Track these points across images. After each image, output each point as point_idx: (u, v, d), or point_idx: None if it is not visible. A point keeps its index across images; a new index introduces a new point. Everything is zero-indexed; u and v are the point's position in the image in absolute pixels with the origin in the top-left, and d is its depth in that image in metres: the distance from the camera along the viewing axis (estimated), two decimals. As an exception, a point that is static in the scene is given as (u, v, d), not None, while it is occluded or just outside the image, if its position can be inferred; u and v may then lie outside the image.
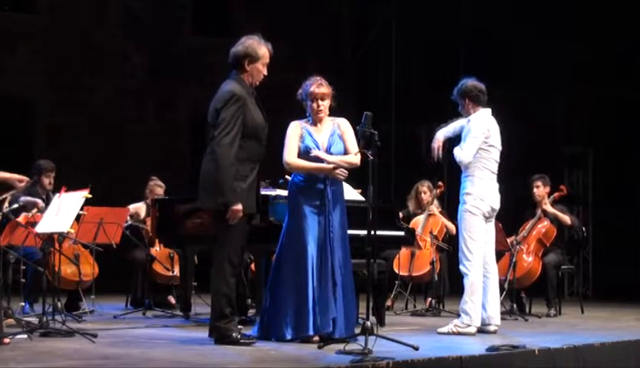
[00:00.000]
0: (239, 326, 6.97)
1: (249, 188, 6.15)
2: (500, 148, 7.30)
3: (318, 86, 6.52)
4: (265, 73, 6.32)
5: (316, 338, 6.23)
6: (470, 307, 7.08)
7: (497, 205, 7.27)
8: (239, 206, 6.02)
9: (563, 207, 9.71)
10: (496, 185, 7.28)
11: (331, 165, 6.43)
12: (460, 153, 7.17)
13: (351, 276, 6.49)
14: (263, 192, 7.41)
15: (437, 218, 9.71)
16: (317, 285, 6.32)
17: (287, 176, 7.13)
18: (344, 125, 6.60)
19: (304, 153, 6.50)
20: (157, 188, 9.76)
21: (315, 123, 6.58)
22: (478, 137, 7.16)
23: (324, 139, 6.54)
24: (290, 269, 6.39)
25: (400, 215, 9.30)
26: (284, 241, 6.51)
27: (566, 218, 9.56)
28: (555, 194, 9.63)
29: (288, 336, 6.29)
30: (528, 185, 9.65)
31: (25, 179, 6.18)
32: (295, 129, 6.55)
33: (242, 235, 6.21)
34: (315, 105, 6.52)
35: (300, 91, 6.60)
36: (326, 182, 6.48)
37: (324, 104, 6.53)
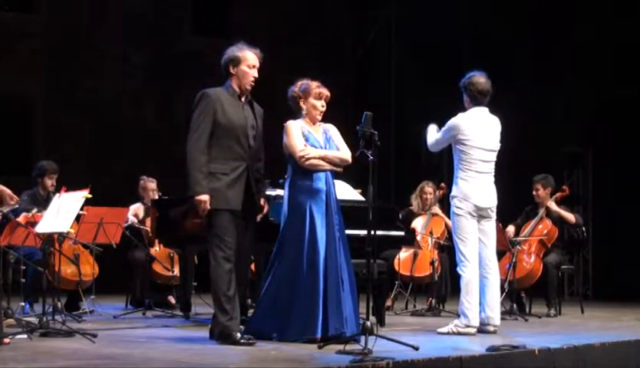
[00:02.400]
0: (240, 326, 6.98)
1: (228, 185, 6.22)
2: (492, 148, 7.26)
3: (321, 86, 6.54)
4: (254, 75, 6.38)
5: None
6: (466, 308, 7.09)
7: (486, 204, 7.21)
8: (203, 197, 6.13)
9: (566, 207, 9.73)
10: (485, 184, 7.21)
11: None
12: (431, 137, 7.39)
13: (353, 274, 6.48)
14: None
15: (440, 218, 9.70)
16: (327, 285, 6.30)
17: (287, 177, 7.13)
18: (332, 129, 6.67)
19: None
20: (149, 183, 9.82)
21: (310, 123, 6.57)
22: (446, 133, 7.25)
23: (322, 140, 6.55)
24: (297, 270, 6.35)
25: (412, 226, 9.38)
26: (285, 241, 6.47)
27: (571, 217, 9.57)
28: (558, 194, 9.62)
29: (293, 337, 6.26)
30: (530, 185, 9.65)
31: (16, 198, 6.28)
32: (298, 127, 6.54)
33: (229, 231, 6.23)
34: (320, 104, 6.53)
35: (296, 89, 6.58)
36: (328, 182, 6.47)
37: (325, 105, 6.55)
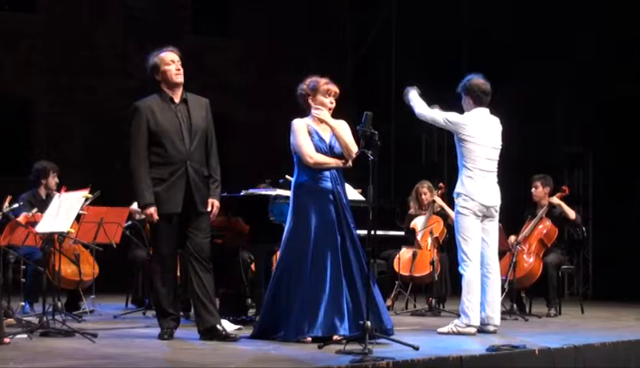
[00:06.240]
0: (239, 327, 7.00)
1: (166, 189, 6.39)
2: (495, 146, 7.26)
3: (330, 83, 6.52)
4: (177, 68, 6.52)
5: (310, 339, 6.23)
6: (467, 307, 7.09)
7: (491, 202, 7.21)
8: (148, 211, 6.37)
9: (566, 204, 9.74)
10: (490, 183, 7.22)
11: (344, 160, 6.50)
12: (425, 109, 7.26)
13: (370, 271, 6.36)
14: (263, 192, 7.43)
15: (439, 218, 9.68)
16: (335, 285, 6.28)
17: (287, 176, 7.13)
18: (341, 124, 6.59)
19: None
20: None
21: (318, 122, 6.55)
22: (448, 123, 7.20)
23: (327, 137, 6.53)
24: (302, 272, 6.32)
25: (411, 225, 9.42)
26: (290, 243, 6.43)
27: (572, 212, 9.57)
28: (558, 194, 9.62)
29: (296, 337, 6.25)
30: (529, 185, 9.67)
31: None
32: (304, 126, 6.50)
33: (165, 239, 6.44)
34: (328, 101, 6.50)
35: (305, 87, 6.54)
36: (335, 181, 6.46)
37: (334, 102, 6.54)
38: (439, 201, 9.72)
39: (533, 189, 9.61)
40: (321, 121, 6.49)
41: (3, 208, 7.38)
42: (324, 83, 6.51)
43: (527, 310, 9.40)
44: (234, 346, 6.07)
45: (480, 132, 7.19)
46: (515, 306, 8.97)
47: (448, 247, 9.47)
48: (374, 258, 6.24)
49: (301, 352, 5.78)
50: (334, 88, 6.53)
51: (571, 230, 9.96)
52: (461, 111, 7.33)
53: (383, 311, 6.39)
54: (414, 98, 7.38)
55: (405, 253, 9.62)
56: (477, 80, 7.29)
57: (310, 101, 6.53)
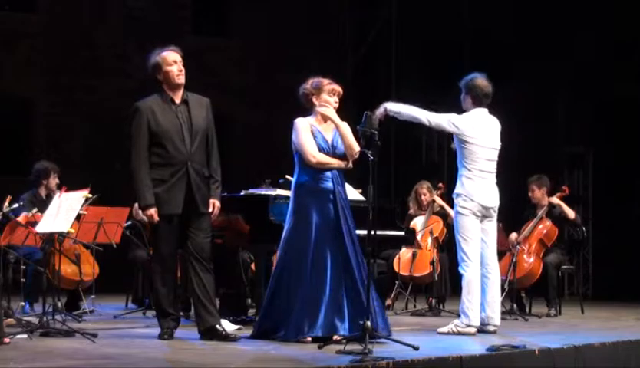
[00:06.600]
0: (239, 327, 6.99)
1: (167, 190, 6.37)
2: (494, 146, 7.26)
3: (334, 83, 6.53)
4: (179, 68, 6.49)
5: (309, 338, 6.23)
6: (467, 307, 7.09)
7: (491, 203, 7.21)
8: (149, 211, 6.33)
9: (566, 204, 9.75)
10: (490, 183, 7.22)
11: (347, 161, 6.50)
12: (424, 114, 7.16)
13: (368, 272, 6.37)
14: (263, 192, 7.43)
15: (439, 218, 9.69)
16: (335, 285, 6.29)
17: (287, 176, 7.13)
18: (344, 124, 6.60)
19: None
20: None
21: (321, 121, 6.55)
22: (451, 126, 7.14)
23: (330, 137, 6.53)
24: (302, 272, 6.32)
25: (411, 225, 9.43)
26: (291, 243, 6.43)
27: (571, 212, 9.57)
28: (558, 194, 9.62)
29: (296, 337, 6.25)
30: (527, 186, 9.67)
31: None
32: (307, 126, 6.50)
33: (165, 237, 6.42)
34: (332, 100, 6.51)
35: (308, 86, 6.54)
36: (336, 181, 6.46)
37: (338, 102, 6.55)
38: (439, 200, 9.73)
39: (530, 193, 9.62)
40: (325, 119, 6.49)
41: (3, 208, 7.38)
42: (327, 82, 6.53)
43: (527, 310, 9.41)
44: (234, 346, 6.07)
45: (481, 133, 7.19)
46: (515, 306, 8.98)
47: (448, 247, 9.46)
48: (374, 258, 6.23)
49: (301, 352, 5.78)
50: (339, 88, 6.55)
51: (571, 230, 9.96)
52: (460, 111, 7.32)
53: (379, 314, 6.37)
54: (405, 109, 7.16)
55: (405, 253, 9.63)
56: (481, 81, 7.26)
57: (314, 100, 6.53)
